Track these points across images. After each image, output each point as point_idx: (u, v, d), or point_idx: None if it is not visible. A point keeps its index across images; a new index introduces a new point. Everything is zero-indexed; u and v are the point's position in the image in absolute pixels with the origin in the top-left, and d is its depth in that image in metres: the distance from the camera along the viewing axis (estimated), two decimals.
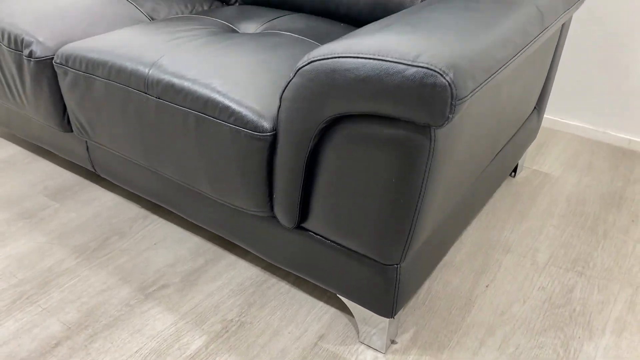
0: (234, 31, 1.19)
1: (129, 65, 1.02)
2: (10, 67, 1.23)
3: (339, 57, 0.74)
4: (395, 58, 0.70)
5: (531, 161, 1.69)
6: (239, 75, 0.96)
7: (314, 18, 1.30)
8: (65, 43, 1.18)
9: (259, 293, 1.16)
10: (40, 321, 1.08)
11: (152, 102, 1.00)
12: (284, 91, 0.83)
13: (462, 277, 1.21)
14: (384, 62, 0.71)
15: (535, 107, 1.44)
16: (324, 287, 1.05)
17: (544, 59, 1.28)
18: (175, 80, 0.96)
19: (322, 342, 1.05)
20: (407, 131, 0.76)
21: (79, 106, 1.16)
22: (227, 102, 0.90)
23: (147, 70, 1.00)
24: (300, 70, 0.79)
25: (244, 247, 1.14)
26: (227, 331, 1.07)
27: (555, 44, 1.33)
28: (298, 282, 1.19)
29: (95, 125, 1.16)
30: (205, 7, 1.47)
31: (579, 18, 1.67)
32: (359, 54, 0.73)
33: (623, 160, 1.70)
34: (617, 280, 1.22)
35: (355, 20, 1.32)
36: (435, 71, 0.67)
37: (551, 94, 1.85)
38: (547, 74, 1.39)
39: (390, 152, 0.79)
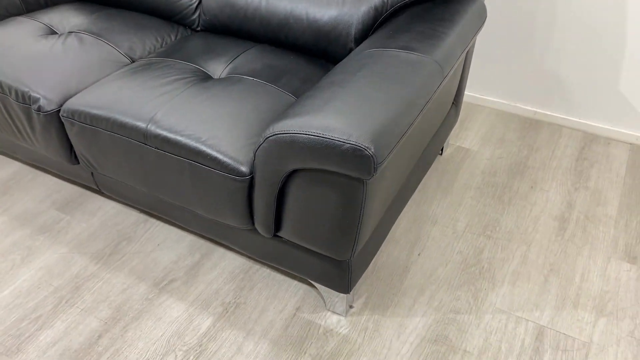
0: (207, 76, 1.46)
1: (129, 121, 1.30)
2: (20, 117, 1.47)
3: (294, 134, 1.05)
4: (335, 136, 1.02)
5: (455, 137, 2.04)
6: (219, 128, 1.25)
7: (267, 51, 1.57)
8: (67, 95, 1.43)
9: (247, 278, 1.51)
10: (81, 319, 1.41)
11: (151, 151, 1.29)
12: (257, 150, 1.14)
13: (400, 249, 1.59)
14: (327, 139, 1.02)
15: (452, 103, 1.77)
16: (295, 274, 1.41)
17: (456, 72, 1.60)
18: (171, 136, 1.25)
19: (299, 313, 1.42)
20: (347, 179, 1.09)
21: (86, 149, 1.43)
22: (214, 153, 1.21)
23: (145, 126, 1.28)
24: (267, 139, 1.10)
25: (231, 246, 1.47)
26: (227, 311, 1.42)
27: (464, 57, 1.65)
28: (276, 268, 1.54)
29: (101, 163, 1.44)
30: (173, 38, 1.71)
31: (493, 1, 1.98)
32: (308, 131, 1.04)
33: (529, 131, 2.08)
34: (515, 240, 1.62)
35: (302, 48, 1.60)
36: (361, 147, 1.00)
37: (470, 72, 2.18)
38: (460, 78, 1.72)
39: (336, 190, 1.12)
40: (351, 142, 1.00)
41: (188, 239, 1.63)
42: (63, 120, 1.42)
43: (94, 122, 1.35)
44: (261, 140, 1.12)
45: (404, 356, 1.31)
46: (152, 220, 1.69)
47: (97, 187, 1.63)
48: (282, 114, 1.14)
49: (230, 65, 1.49)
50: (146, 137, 1.28)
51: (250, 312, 1.42)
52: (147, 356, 1.32)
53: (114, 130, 1.33)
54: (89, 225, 1.67)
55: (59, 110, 1.42)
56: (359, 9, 1.51)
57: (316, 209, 1.18)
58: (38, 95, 1.41)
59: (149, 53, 1.63)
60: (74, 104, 1.39)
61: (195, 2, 1.75)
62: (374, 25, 1.52)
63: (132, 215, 1.71)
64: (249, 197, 1.24)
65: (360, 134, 1.02)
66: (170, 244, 1.62)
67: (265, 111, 1.31)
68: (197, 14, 1.76)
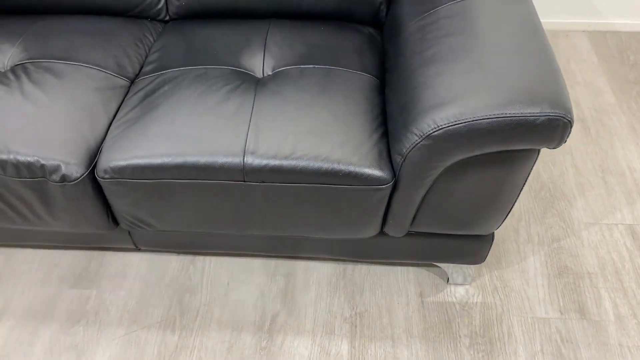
0: (253, 78, 1.19)
1: (215, 160, 1.02)
2: (22, 195, 1.09)
3: (472, 121, 0.92)
4: (526, 112, 0.90)
5: None
6: (331, 136, 1.05)
7: (288, 29, 1.32)
8: (90, 151, 1.08)
9: (350, 283, 1.36)
10: None
11: (255, 188, 1.05)
12: (409, 151, 0.97)
13: None
14: (516, 117, 0.91)
15: None
16: (419, 262, 1.30)
17: None
18: (282, 163, 1.02)
19: (425, 298, 1.33)
20: (519, 152, 0.99)
21: (136, 208, 1.12)
22: (347, 168, 1.01)
23: (240, 160, 1.02)
24: (430, 135, 0.94)
25: (316, 257, 1.31)
26: (355, 326, 1.28)
27: None
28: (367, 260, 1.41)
29: (160, 219, 1.14)
30: (152, 39, 1.36)
31: None
32: (489, 114, 0.91)
33: None
34: (557, 153, 1.67)
35: (320, 15, 1.38)
36: (559, 116, 0.90)
37: None
38: None
39: (501, 168, 1.02)
40: (546, 114, 0.90)
41: (256, 264, 1.41)
42: (102, 183, 1.08)
43: (158, 174, 1.05)
44: (416, 138, 0.96)
45: (546, 302, 1.31)
46: (200, 259, 1.42)
47: (135, 245, 1.31)
48: (420, 102, 0.98)
49: (267, 57, 1.24)
50: (245, 173, 1.03)
51: (379, 317, 1.30)
52: None
53: (191, 176, 1.05)
54: (130, 292, 1.36)
55: (91, 173, 1.07)
56: None
57: (468, 193, 1.07)
58: (56, 162, 1.05)
59: (142, 65, 1.29)
60: (113, 160, 1.05)
61: None
62: None
63: (172, 261, 1.42)
64: (388, 204, 1.09)
65: (545, 101, 0.91)
66: (241, 277, 1.38)
67: (362, 101, 1.13)
68: (162, 3, 1.41)
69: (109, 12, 1.41)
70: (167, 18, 1.44)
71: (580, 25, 2.09)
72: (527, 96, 0.92)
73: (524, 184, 1.08)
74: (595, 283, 1.34)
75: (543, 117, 0.90)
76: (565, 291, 1.33)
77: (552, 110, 0.90)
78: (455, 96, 0.95)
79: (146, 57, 1.31)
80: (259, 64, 1.23)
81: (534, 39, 1.03)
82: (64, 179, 1.05)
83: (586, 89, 1.86)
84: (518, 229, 1.47)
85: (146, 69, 1.26)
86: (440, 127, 0.93)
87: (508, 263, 1.39)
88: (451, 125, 0.92)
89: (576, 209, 1.51)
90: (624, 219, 1.48)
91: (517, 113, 0.91)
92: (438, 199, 1.07)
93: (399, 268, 1.39)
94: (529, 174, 1.05)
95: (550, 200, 1.53)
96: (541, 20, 2.09)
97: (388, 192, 1.04)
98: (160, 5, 1.41)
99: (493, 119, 0.91)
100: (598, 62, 1.97)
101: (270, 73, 1.21)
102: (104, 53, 1.26)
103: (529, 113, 0.90)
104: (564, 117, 0.91)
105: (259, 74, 1.22)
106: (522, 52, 1.00)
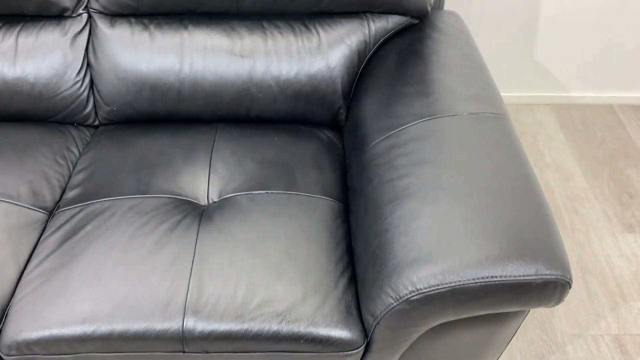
0: (196, 206, 1.02)
1: (145, 327, 0.84)
2: None
3: (456, 285, 0.77)
4: (517, 275, 0.77)
5: None
6: (287, 283, 0.88)
7: (236, 138, 1.16)
8: None
9: None
10: None
11: (193, 359, 0.87)
12: (384, 314, 0.82)
13: None
14: (508, 281, 0.77)
15: None
16: None
17: None
18: (232, 327, 0.84)
19: None
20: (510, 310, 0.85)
21: None
22: (311, 330, 0.85)
23: (179, 326, 0.84)
24: (408, 299, 0.79)
25: None
26: None
27: None
28: None
29: None
30: (77, 151, 1.17)
31: None
32: (476, 277, 0.77)
33: None
34: None
35: (271, 119, 1.23)
36: (560, 278, 0.77)
37: None
38: None
39: (490, 324, 0.88)
40: (542, 277, 0.77)
41: None
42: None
43: (77, 348, 0.85)
44: (391, 301, 0.80)
45: None
46: None
47: None
48: (394, 254, 0.83)
49: (213, 178, 1.07)
50: (185, 342, 0.85)
51: None
52: None
53: (120, 348, 0.86)
54: None
55: None
56: (341, 58, 1.19)
57: (451, 352, 0.92)
58: None
59: (64, 189, 1.10)
60: (22, 331, 0.85)
61: (85, 91, 1.21)
62: (359, 72, 1.22)
63: None
64: None
65: (539, 257, 0.78)
66: None
67: (325, 237, 0.96)
68: (90, 107, 1.23)
69: (27, 119, 1.22)
70: (97, 123, 1.25)
71: (543, 99, 2.01)
72: (519, 252, 0.78)
73: (514, 335, 0.94)
74: None
75: (539, 280, 0.77)
76: None
77: (550, 272, 0.77)
78: (436, 250, 0.80)
79: (70, 177, 1.12)
80: (203, 187, 1.06)
81: (518, 172, 0.90)
82: None
83: (556, 172, 1.77)
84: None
85: (69, 195, 1.07)
86: (419, 292, 0.78)
87: None
88: (432, 290, 0.78)
89: (558, 318, 1.38)
90: (609, 328, 1.36)
91: (509, 276, 0.76)
92: (416, 358, 0.92)
93: None
94: (515, 332, 0.91)
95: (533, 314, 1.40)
96: (504, 94, 2.00)
97: (359, 357, 0.88)
98: (87, 110, 1.23)
99: (481, 283, 0.77)
100: (565, 140, 1.89)
101: (216, 200, 1.04)
102: (16, 179, 1.06)
103: (523, 276, 0.76)
104: (563, 279, 0.77)
105: (203, 201, 1.04)
106: (507, 191, 0.87)
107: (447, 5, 1.42)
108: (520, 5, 1.77)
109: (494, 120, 1.00)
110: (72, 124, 1.24)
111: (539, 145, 1.87)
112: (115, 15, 1.19)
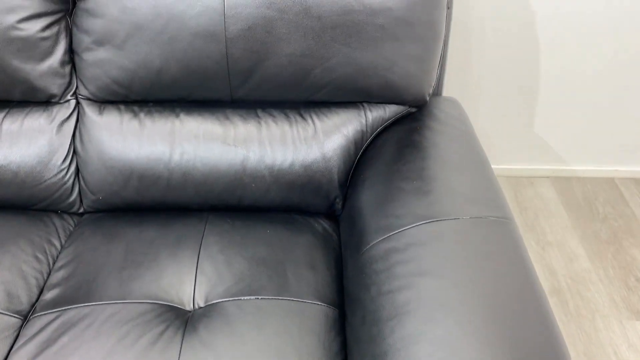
0: (180, 311, 0.95)
1: None
2: None
3: None
4: None
5: None
6: None
7: (227, 231, 1.11)
8: None
9: None
10: None
11: None
12: None
13: None
14: None
15: None
16: None
17: None
18: None
19: None
20: None
21: None
22: None
23: None
24: None
25: None
26: None
27: None
28: None
29: None
30: (58, 244, 1.11)
31: None
32: None
33: None
34: None
35: (264, 209, 1.18)
36: None
37: None
38: None
39: None
40: None
41: None
42: None
43: None
44: None
45: None
46: None
47: None
48: None
49: (200, 280, 1.01)
50: None
51: None
52: None
53: None
54: None
55: None
56: (337, 148, 1.15)
57: None
58: None
59: (41, 288, 1.03)
60: None
61: (70, 179, 1.16)
62: (355, 161, 1.18)
63: None
64: None
65: None
66: None
67: (319, 356, 0.89)
68: (75, 195, 1.18)
69: (8, 207, 1.17)
70: (82, 211, 1.20)
71: (544, 172, 1.98)
72: None
73: None
74: None
75: None
76: None
77: None
78: None
79: (49, 274, 1.06)
80: (189, 290, 1.00)
81: (524, 287, 0.84)
82: None
83: (559, 251, 1.71)
84: None
85: (46, 296, 1.00)
86: None
87: None
88: None
89: None
90: None
91: None
92: None
93: None
94: None
95: None
96: (504, 167, 1.97)
97: None
98: (72, 199, 1.17)
99: None
100: (567, 216, 1.84)
101: (202, 305, 0.97)
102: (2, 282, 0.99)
103: None
104: None
105: (188, 306, 0.98)
106: (513, 310, 0.81)
107: (446, 86, 1.39)
108: (521, 77, 1.76)
109: (498, 225, 0.94)
110: (55, 211, 1.19)
111: (541, 222, 1.82)
112: (104, 102, 1.15)
